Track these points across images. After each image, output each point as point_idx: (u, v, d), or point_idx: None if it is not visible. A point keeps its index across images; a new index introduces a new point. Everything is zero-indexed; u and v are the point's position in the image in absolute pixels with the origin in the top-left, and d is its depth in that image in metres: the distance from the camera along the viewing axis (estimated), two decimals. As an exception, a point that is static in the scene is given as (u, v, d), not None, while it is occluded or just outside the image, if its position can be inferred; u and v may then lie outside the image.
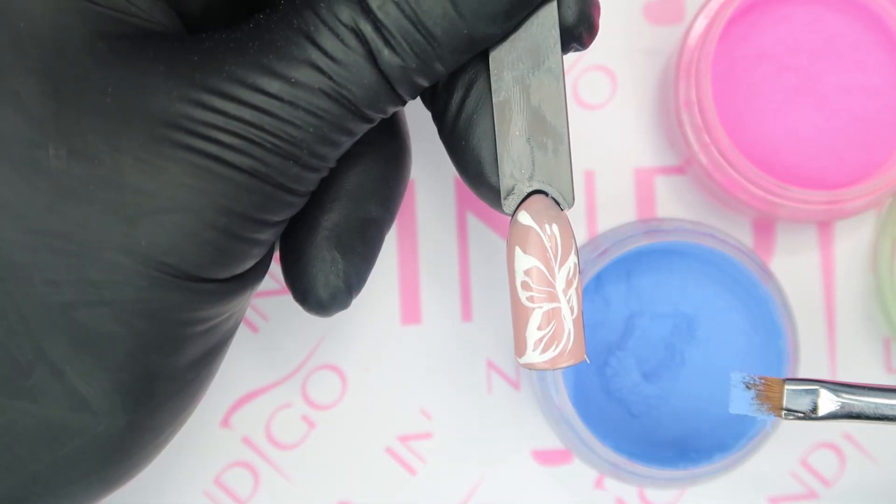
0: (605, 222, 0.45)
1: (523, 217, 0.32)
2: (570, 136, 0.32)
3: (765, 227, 0.45)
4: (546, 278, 0.32)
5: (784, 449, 0.45)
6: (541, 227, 0.32)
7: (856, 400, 0.34)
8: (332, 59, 0.29)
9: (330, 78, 0.29)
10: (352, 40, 0.29)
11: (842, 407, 0.34)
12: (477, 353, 0.45)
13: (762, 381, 0.34)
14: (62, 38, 0.29)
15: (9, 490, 0.30)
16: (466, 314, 0.45)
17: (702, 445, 0.41)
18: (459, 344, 0.45)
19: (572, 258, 0.32)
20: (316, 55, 0.29)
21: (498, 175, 0.32)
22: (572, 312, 0.32)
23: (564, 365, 0.32)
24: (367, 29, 0.29)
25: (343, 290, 0.34)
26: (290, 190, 0.30)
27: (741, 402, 0.35)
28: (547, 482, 0.45)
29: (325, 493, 0.44)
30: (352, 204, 0.34)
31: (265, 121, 0.29)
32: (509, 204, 0.32)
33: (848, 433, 0.45)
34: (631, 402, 0.42)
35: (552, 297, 0.32)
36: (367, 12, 0.29)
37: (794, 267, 0.45)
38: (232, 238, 0.30)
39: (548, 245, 0.32)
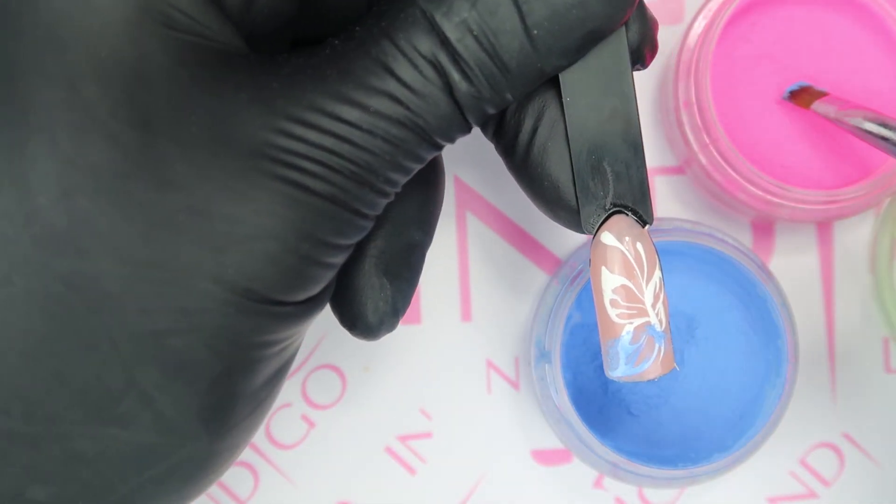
0: (605, 222, 0.45)
1: (606, 238, 0.32)
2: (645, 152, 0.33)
3: (764, 226, 0.45)
4: (634, 295, 0.32)
5: (783, 449, 0.45)
6: (625, 246, 0.32)
7: None
8: (409, 89, 0.30)
9: (407, 108, 0.30)
10: (429, 71, 0.30)
11: None
12: (477, 353, 0.45)
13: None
14: (144, 66, 0.29)
15: None
16: (466, 314, 0.45)
17: (701, 445, 0.42)
18: (459, 344, 0.45)
19: (657, 273, 0.33)
20: (394, 86, 0.30)
21: (576, 197, 0.33)
22: (661, 325, 0.33)
23: (655, 376, 0.33)
24: (444, 60, 0.30)
25: (391, 315, 0.35)
26: (363, 215, 0.31)
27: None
28: (546, 482, 0.45)
29: (325, 493, 0.44)
30: (395, 230, 0.35)
31: (344, 148, 0.30)
32: (591, 225, 0.33)
33: (847, 433, 0.45)
34: (630, 401, 0.42)
35: (642, 313, 0.32)
36: (446, 44, 0.30)
37: (793, 267, 0.45)
38: (311, 263, 0.30)
39: (633, 262, 0.32)
